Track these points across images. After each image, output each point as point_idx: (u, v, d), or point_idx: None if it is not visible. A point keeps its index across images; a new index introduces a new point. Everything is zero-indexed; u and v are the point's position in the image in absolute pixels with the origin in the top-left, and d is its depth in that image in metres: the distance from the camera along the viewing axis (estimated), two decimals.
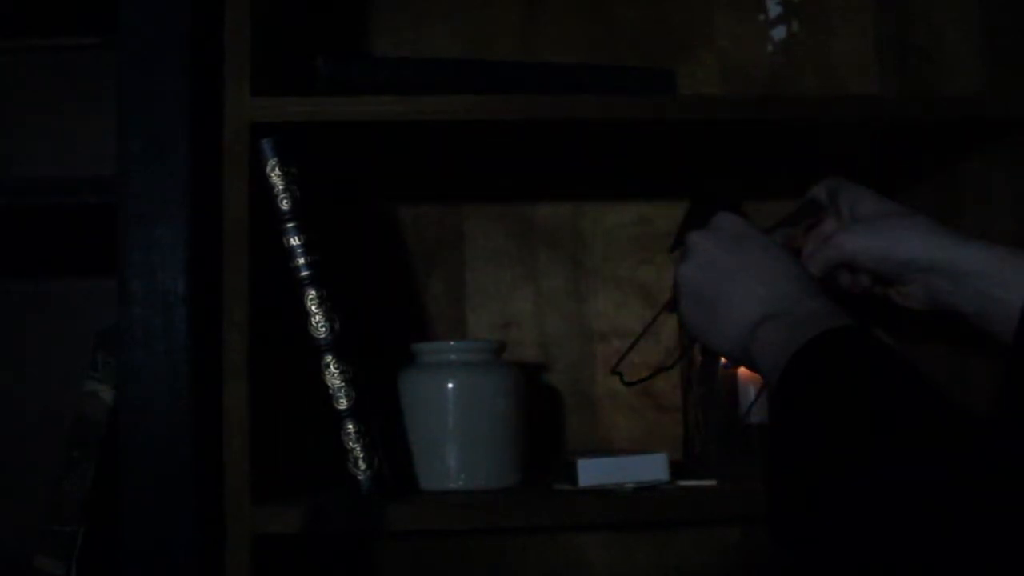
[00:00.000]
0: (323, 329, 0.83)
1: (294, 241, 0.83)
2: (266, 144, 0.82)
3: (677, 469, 0.95)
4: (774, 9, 1.18)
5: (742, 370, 0.92)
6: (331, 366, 0.83)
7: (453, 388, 0.90)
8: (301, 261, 0.83)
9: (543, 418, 1.12)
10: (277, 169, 0.83)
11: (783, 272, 0.74)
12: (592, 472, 0.85)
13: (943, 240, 0.79)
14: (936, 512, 0.48)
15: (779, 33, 1.17)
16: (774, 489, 0.59)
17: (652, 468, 0.86)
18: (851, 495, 0.52)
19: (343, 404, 0.83)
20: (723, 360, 0.93)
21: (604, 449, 1.09)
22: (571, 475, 0.86)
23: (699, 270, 0.77)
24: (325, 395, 0.83)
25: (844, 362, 0.61)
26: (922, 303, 0.82)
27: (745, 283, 0.74)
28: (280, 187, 0.83)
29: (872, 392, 0.57)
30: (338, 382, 0.83)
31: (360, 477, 0.83)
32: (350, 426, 0.83)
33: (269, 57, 0.89)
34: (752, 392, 0.91)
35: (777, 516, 0.59)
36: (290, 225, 0.83)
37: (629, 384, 0.92)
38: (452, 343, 0.95)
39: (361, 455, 0.83)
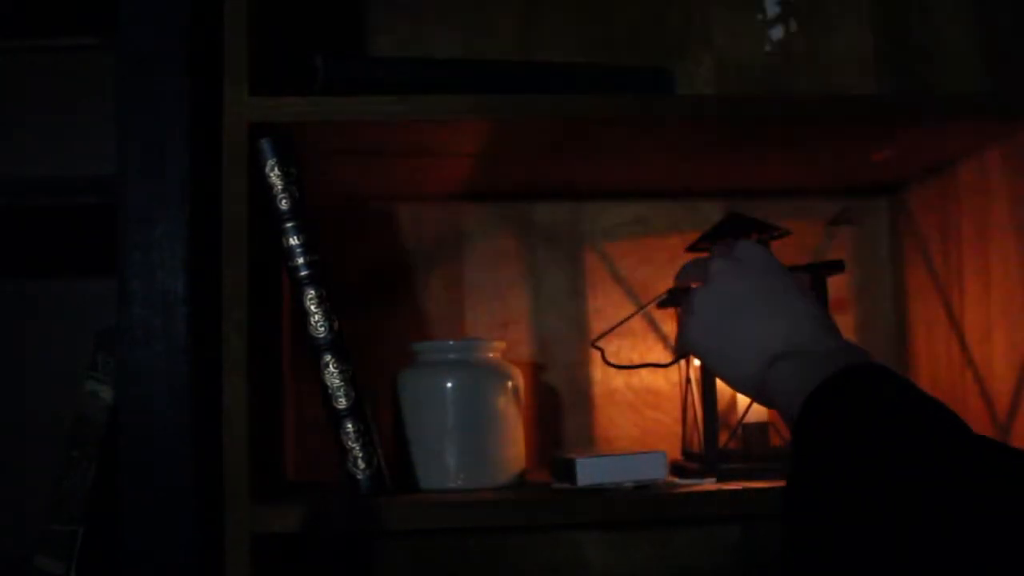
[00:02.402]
0: (322, 329, 0.83)
1: (293, 241, 0.83)
2: (265, 144, 0.83)
3: (676, 468, 0.95)
4: (772, 9, 1.18)
5: None
6: (331, 365, 0.83)
7: (452, 387, 0.91)
8: (300, 261, 0.83)
9: (542, 417, 1.12)
10: (276, 169, 0.83)
11: (803, 309, 0.74)
12: (591, 471, 0.85)
13: None
14: (971, 558, 0.47)
15: (777, 33, 1.17)
16: (793, 531, 0.58)
17: (651, 467, 0.86)
18: (877, 543, 0.51)
19: (342, 403, 0.83)
20: None
21: (603, 448, 1.09)
22: (570, 474, 0.86)
23: (717, 299, 0.76)
24: (325, 394, 0.83)
25: (865, 399, 0.60)
26: None
27: (763, 317, 0.74)
28: (279, 187, 0.83)
29: (895, 431, 0.56)
30: (337, 381, 0.83)
31: (360, 477, 0.83)
32: (349, 425, 0.83)
33: (268, 57, 0.89)
34: None
35: (795, 555, 0.58)
36: (289, 225, 0.83)
37: (612, 365, 0.92)
38: (451, 342, 0.95)
39: (360, 454, 0.83)
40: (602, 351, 0.92)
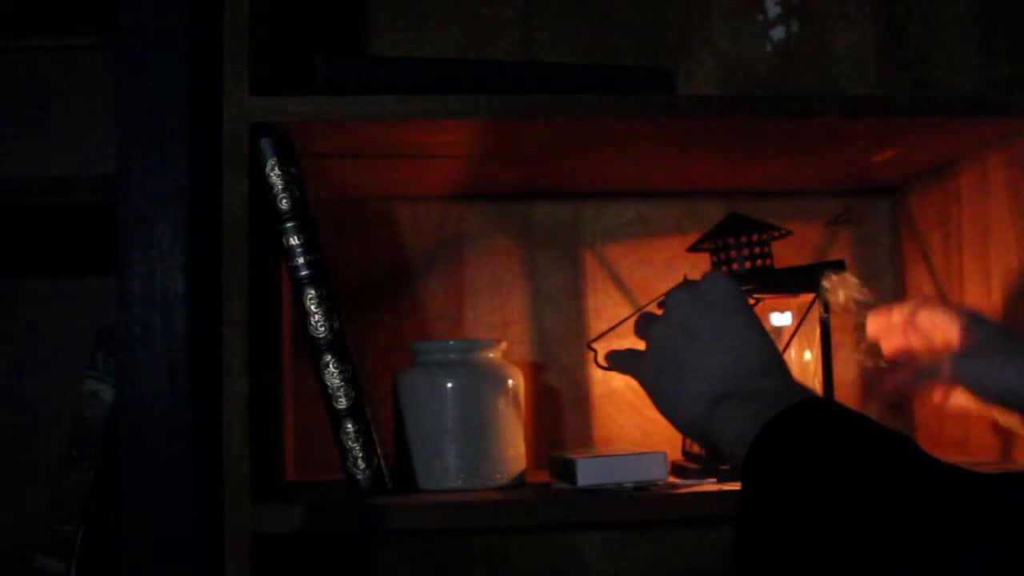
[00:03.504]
0: (323, 328, 0.83)
1: (294, 240, 0.83)
2: (265, 144, 0.82)
3: (676, 469, 0.95)
4: (773, 9, 1.18)
5: None
6: (331, 365, 0.83)
7: (452, 387, 0.91)
8: (300, 261, 0.83)
9: (542, 417, 1.12)
10: (276, 168, 0.83)
11: (756, 349, 0.71)
12: (591, 471, 0.85)
13: None
14: None
15: (778, 33, 1.17)
16: (746, 569, 0.57)
17: (651, 467, 0.86)
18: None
19: (342, 403, 0.83)
20: None
21: (603, 448, 1.09)
22: (570, 474, 0.86)
23: (670, 332, 0.74)
24: (325, 394, 0.83)
25: (817, 433, 0.58)
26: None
27: (714, 355, 0.71)
28: (279, 187, 0.83)
29: (850, 463, 0.54)
30: (337, 381, 0.83)
31: (360, 477, 0.83)
32: (349, 425, 0.83)
33: (268, 57, 0.89)
34: None
35: None
36: (289, 225, 0.83)
37: (604, 367, 0.91)
38: (451, 342, 0.95)
39: (361, 454, 0.83)
40: (596, 352, 0.91)
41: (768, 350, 0.71)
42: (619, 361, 0.84)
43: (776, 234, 0.96)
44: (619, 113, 0.86)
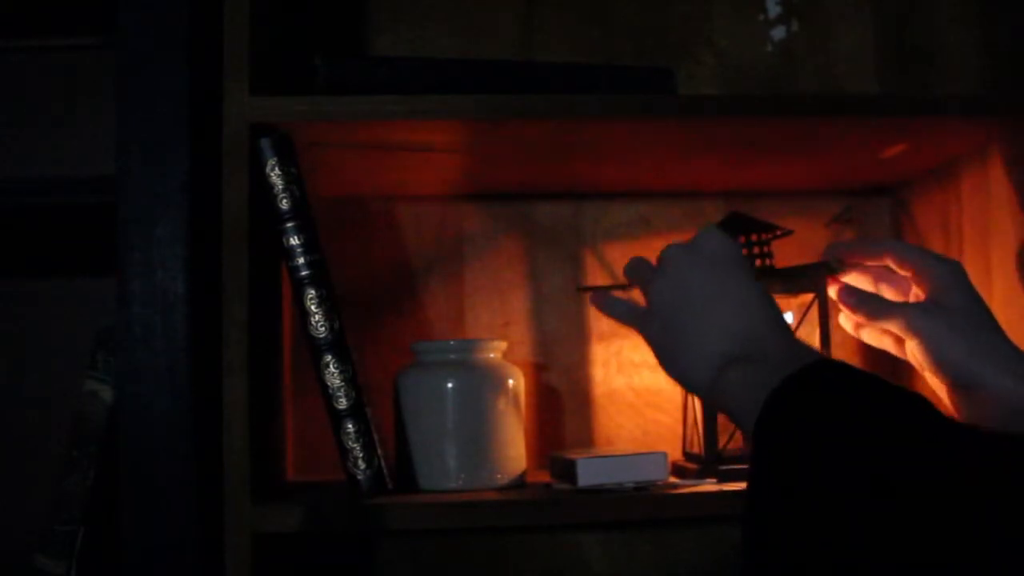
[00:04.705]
0: (323, 329, 0.83)
1: (294, 241, 0.83)
2: (265, 143, 0.82)
3: (677, 469, 0.95)
4: (773, 9, 1.17)
5: None
6: (331, 365, 0.83)
7: (453, 387, 0.90)
8: (301, 261, 0.83)
9: (543, 417, 1.12)
10: (276, 169, 0.83)
11: (757, 307, 0.70)
12: (591, 471, 0.85)
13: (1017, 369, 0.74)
14: (954, 550, 0.45)
15: (779, 33, 1.17)
16: (757, 537, 0.56)
17: (651, 467, 0.86)
18: (849, 547, 0.49)
19: (343, 404, 0.83)
20: None
21: (604, 449, 1.09)
22: (570, 475, 0.86)
23: (672, 291, 0.73)
24: (325, 394, 0.83)
25: (830, 394, 0.57)
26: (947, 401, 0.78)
27: (718, 317, 0.70)
28: (280, 187, 0.83)
29: (864, 424, 0.53)
30: (338, 382, 0.83)
31: (360, 477, 0.83)
32: (349, 426, 0.83)
33: (268, 57, 0.89)
34: None
35: (762, 566, 0.55)
36: (289, 225, 0.83)
37: (583, 289, 0.90)
38: (452, 342, 0.95)
39: (361, 455, 0.83)
40: (588, 290, 0.91)
41: (771, 307, 0.71)
42: (615, 307, 0.83)
43: (777, 233, 0.96)
44: (619, 113, 0.86)
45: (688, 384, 0.73)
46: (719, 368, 0.68)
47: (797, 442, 0.55)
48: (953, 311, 0.78)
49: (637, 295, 0.82)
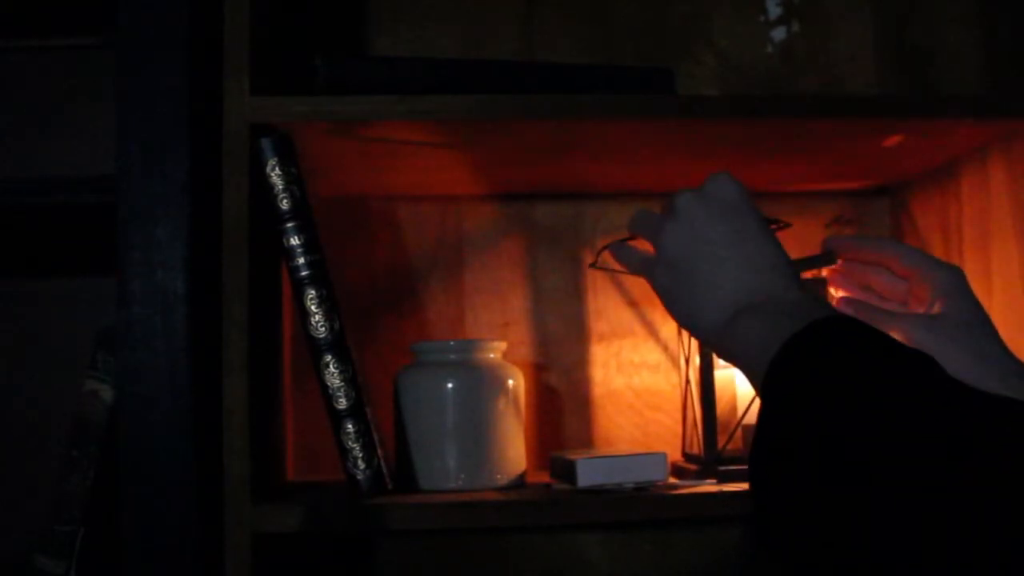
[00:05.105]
0: (323, 329, 0.83)
1: (294, 241, 0.82)
2: (265, 143, 0.82)
3: (676, 469, 0.95)
4: (773, 9, 1.17)
5: None
6: (331, 365, 0.83)
7: (453, 388, 0.90)
8: (301, 261, 0.83)
9: (542, 418, 1.12)
10: (277, 168, 0.83)
11: (771, 258, 0.70)
12: (591, 472, 0.85)
13: (1006, 369, 0.73)
14: (951, 526, 0.45)
15: (779, 33, 1.17)
16: (764, 492, 0.56)
17: (651, 468, 0.86)
18: (854, 501, 0.49)
19: (343, 404, 0.83)
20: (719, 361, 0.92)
21: (603, 449, 1.09)
22: (570, 475, 0.86)
23: (683, 238, 0.72)
24: (325, 394, 0.83)
25: (839, 351, 0.56)
26: None
27: (731, 264, 0.70)
28: (280, 187, 0.83)
29: (873, 380, 0.53)
30: (338, 382, 0.83)
31: (360, 477, 0.83)
32: (349, 426, 0.83)
33: (268, 57, 0.89)
34: (751, 391, 0.91)
35: (767, 520, 0.55)
36: (290, 225, 0.82)
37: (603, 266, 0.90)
38: (452, 342, 0.95)
39: (361, 455, 0.83)
40: (596, 264, 0.92)
41: (782, 256, 0.70)
42: (629, 257, 0.82)
43: (774, 227, 0.96)
44: (619, 113, 0.86)
45: (696, 331, 0.73)
46: (731, 317, 0.67)
47: (807, 396, 0.55)
48: (956, 321, 0.77)
49: (643, 245, 0.81)
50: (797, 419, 0.54)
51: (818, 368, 0.56)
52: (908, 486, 0.47)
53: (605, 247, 0.86)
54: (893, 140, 0.96)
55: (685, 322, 0.74)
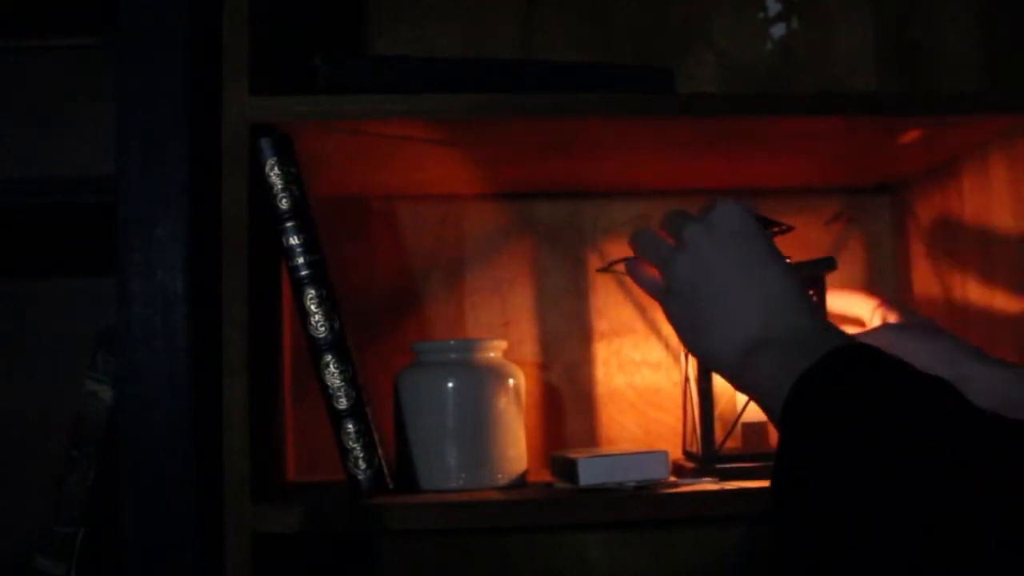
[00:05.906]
0: (323, 328, 0.82)
1: (293, 240, 0.82)
2: (265, 143, 0.82)
3: (677, 468, 0.95)
4: (773, 8, 1.17)
5: None
6: (331, 365, 0.83)
7: (453, 387, 0.90)
8: (300, 260, 0.83)
9: (544, 417, 1.12)
10: (276, 168, 0.83)
11: (781, 284, 0.69)
12: (592, 471, 0.85)
13: (966, 355, 0.76)
14: (981, 541, 0.45)
15: (778, 32, 1.17)
16: (786, 522, 0.56)
17: (652, 467, 0.86)
18: (875, 529, 0.49)
19: (343, 404, 0.83)
20: None
21: (605, 448, 1.09)
22: (571, 474, 0.86)
23: (692, 271, 0.72)
24: (325, 394, 0.83)
25: (859, 381, 0.56)
26: None
27: (742, 298, 0.69)
28: (279, 186, 0.82)
29: (893, 411, 0.53)
30: (338, 382, 0.83)
31: (360, 477, 0.83)
32: (350, 426, 0.83)
33: (268, 57, 0.89)
34: None
35: (791, 553, 0.55)
36: (289, 224, 0.82)
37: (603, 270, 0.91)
38: (452, 342, 0.95)
39: (361, 455, 0.83)
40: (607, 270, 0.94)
41: (795, 284, 0.70)
42: (640, 277, 0.82)
43: (776, 229, 0.96)
44: (619, 112, 0.86)
45: (713, 365, 0.73)
46: (746, 351, 0.67)
47: (825, 428, 0.55)
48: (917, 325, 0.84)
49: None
50: (816, 452, 0.55)
51: (836, 399, 0.56)
52: (930, 517, 0.47)
53: (619, 260, 0.86)
54: (910, 136, 0.96)
55: (699, 355, 0.74)
